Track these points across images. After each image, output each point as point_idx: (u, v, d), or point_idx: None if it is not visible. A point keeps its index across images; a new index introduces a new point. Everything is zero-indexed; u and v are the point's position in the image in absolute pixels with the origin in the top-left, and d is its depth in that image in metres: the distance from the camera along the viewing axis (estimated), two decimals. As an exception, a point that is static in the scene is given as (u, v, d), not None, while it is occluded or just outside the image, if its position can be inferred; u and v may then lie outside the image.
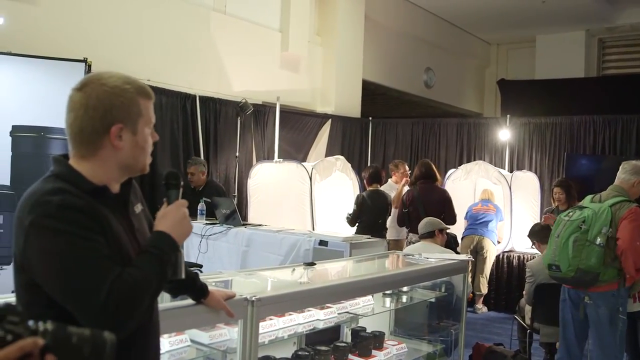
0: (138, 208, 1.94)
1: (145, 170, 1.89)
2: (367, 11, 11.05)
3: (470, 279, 7.85)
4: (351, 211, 7.26)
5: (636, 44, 13.78)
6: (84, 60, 6.16)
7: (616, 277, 4.39)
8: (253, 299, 2.67)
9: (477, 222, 8.18)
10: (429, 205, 7.00)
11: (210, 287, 2.41)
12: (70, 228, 1.60)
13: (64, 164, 1.78)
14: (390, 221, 7.56)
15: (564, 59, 13.62)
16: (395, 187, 7.86)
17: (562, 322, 4.77)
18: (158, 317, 1.98)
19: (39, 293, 1.63)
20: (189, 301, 2.43)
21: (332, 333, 3.96)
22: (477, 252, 8.10)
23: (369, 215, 7.11)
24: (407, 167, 8.21)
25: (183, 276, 1.94)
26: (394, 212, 7.52)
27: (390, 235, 7.65)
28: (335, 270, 4.33)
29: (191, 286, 2.32)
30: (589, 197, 4.68)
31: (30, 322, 1.05)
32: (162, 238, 1.77)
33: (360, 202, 7.17)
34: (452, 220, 6.97)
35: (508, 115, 9.85)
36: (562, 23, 13.13)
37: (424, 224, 5.80)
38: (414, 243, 6.95)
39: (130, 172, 1.87)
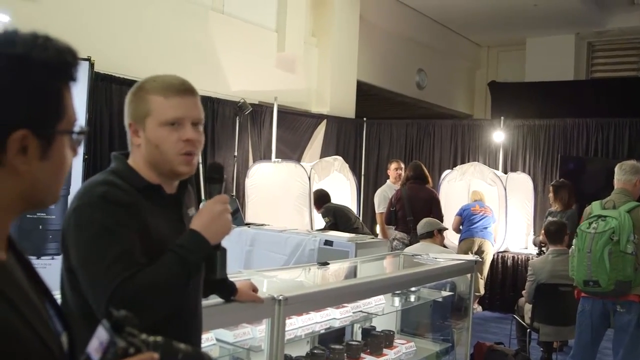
0: (192, 211, 1.94)
1: (177, 171, 1.83)
2: (362, 12, 11.10)
3: None
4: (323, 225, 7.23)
5: (624, 48, 13.96)
6: (88, 59, 6.16)
7: None
8: (280, 298, 2.71)
9: (476, 225, 8.15)
10: (416, 205, 7.07)
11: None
12: (103, 220, 1.65)
13: (120, 160, 1.84)
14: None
15: (554, 62, 13.74)
16: (394, 187, 7.92)
17: (580, 330, 4.77)
18: (201, 314, 2.00)
19: (76, 278, 1.69)
20: (216, 301, 2.46)
21: (337, 332, 4.02)
22: (477, 254, 8.14)
23: (345, 221, 7.10)
24: (401, 163, 8.27)
25: (224, 275, 1.92)
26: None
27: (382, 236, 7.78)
28: (348, 270, 4.39)
29: (221, 286, 2.33)
30: (597, 203, 4.66)
31: (143, 336, 1.06)
32: (190, 237, 1.73)
33: (333, 212, 7.14)
34: (439, 220, 7.03)
35: (502, 117, 9.94)
36: (553, 26, 13.25)
37: (423, 224, 5.85)
38: (398, 240, 7.05)
39: (160, 172, 1.83)
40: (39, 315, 1.04)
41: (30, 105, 1.01)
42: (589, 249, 4.46)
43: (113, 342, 1.01)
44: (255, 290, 2.53)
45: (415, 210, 6.89)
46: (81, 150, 5.12)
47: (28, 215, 5.92)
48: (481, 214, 8.20)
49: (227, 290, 2.39)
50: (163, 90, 1.80)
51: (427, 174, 7.51)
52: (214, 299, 2.45)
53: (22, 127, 0.99)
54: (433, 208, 7.09)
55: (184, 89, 1.82)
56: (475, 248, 8.10)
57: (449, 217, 8.33)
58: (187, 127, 1.80)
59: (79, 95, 5.98)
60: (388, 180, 8.29)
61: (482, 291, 8.33)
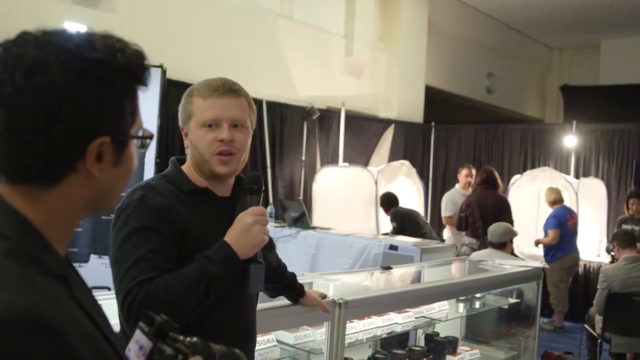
0: None
1: (215, 171, 1.84)
2: (430, 16, 11.03)
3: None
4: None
5: None
6: (160, 66, 6.33)
7: None
8: (341, 301, 2.74)
9: (575, 239, 7.80)
10: (485, 210, 6.98)
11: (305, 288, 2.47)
12: (135, 223, 1.70)
13: (173, 164, 1.92)
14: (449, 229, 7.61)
15: (630, 65, 13.28)
16: (462, 192, 7.84)
17: None
18: (255, 321, 2.01)
19: None
20: (277, 302, 2.51)
21: (401, 337, 4.01)
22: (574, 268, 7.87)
23: (413, 225, 7.06)
24: (472, 170, 8.13)
25: (258, 290, 1.89)
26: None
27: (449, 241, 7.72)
28: (412, 275, 4.38)
29: (290, 287, 2.38)
30: None
31: (187, 339, 1.06)
32: (218, 248, 1.72)
33: (401, 217, 7.12)
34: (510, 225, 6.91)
35: (574, 122, 9.70)
36: (629, 27, 12.84)
37: (500, 233, 5.65)
38: (467, 245, 6.98)
39: (203, 172, 1.87)
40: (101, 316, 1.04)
41: (112, 111, 0.99)
42: None
43: (158, 348, 1.02)
44: (323, 297, 2.57)
45: (485, 216, 6.83)
46: (153, 154, 5.23)
47: (103, 217, 6.12)
48: (575, 225, 7.78)
49: (296, 292, 2.43)
50: (203, 92, 1.84)
51: (498, 178, 7.41)
52: (277, 301, 2.50)
53: (102, 134, 0.97)
54: (503, 213, 6.97)
55: (223, 90, 1.84)
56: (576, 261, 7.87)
57: (518, 224, 8.15)
58: (224, 128, 1.82)
59: (151, 101, 6.19)
60: (457, 185, 8.20)
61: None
